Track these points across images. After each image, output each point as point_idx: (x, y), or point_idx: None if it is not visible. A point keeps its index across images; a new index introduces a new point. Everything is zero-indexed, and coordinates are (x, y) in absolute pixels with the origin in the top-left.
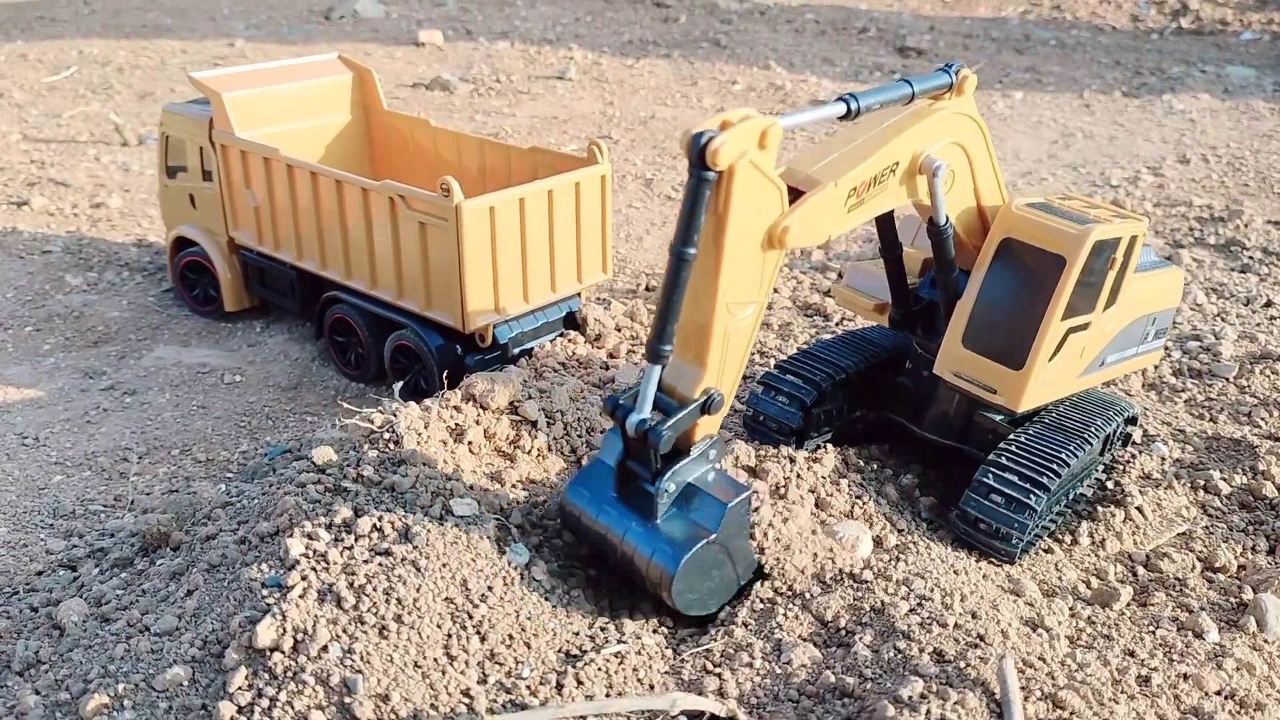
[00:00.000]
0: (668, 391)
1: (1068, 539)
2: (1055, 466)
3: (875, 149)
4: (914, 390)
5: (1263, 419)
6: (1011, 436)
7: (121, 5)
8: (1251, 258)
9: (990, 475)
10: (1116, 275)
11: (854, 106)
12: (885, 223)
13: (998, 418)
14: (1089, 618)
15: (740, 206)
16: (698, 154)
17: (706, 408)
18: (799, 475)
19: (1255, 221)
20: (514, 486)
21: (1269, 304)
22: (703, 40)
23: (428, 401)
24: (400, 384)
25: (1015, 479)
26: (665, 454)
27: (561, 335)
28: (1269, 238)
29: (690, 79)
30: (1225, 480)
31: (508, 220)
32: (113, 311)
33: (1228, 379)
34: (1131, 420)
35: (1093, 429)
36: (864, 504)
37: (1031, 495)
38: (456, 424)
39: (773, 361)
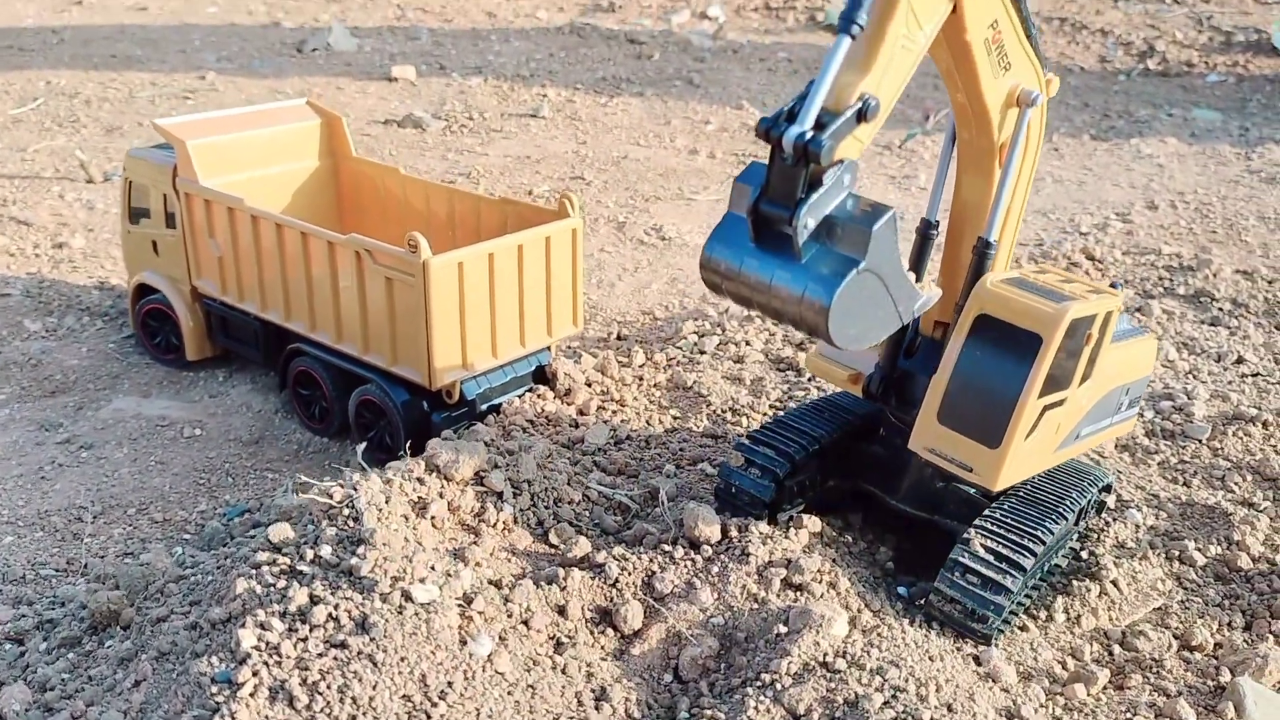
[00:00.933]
0: (825, 109)
1: (1043, 614)
2: (1030, 545)
3: (1019, 34)
4: (887, 460)
5: (1236, 483)
6: (986, 512)
7: (91, 35)
8: (1221, 309)
9: (965, 555)
10: (1092, 351)
11: None
12: (922, 241)
13: (972, 489)
14: (1065, 704)
15: None
16: None
17: (863, 114)
18: (770, 552)
19: (1224, 271)
20: (478, 565)
21: (1240, 360)
22: (676, 78)
23: (389, 472)
24: (363, 445)
25: (991, 559)
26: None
27: (530, 390)
28: (1238, 288)
29: (664, 118)
30: (1200, 551)
31: (476, 275)
32: (72, 359)
33: (1201, 441)
34: (1106, 489)
35: (1068, 502)
36: (837, 581)
37: (1008, 576)
38: (419, 497)
39: (745, 421)
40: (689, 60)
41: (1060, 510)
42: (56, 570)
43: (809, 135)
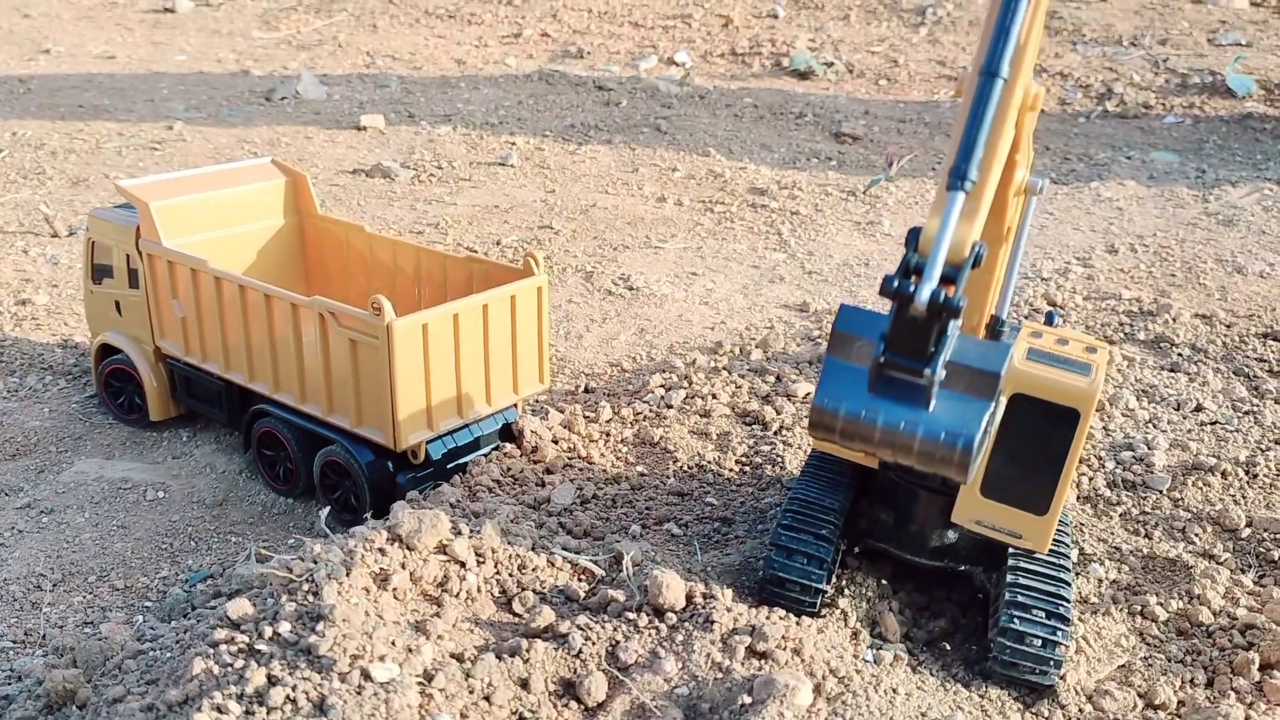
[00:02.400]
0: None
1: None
2: (1066, 595)
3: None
4: (895, 518)
5: (1196, 535)
6: (1012, 565)
7: (58, 84)
8: (1180, 354)
9: (1016, 620)
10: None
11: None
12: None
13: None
14: None
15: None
16: None
17: (977, 263)
18: (735, 619)
19: (1183, 315)
20: (440, 638)
21: (1199, 408)
22: (644, 125)
23: (351, 542)
24: (326, 510)
25: (1043, 618)
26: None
27: (497, 449)
28: (1196, 332)
29: (632, 165)
30: (1162, 605)
31: (441, 336)
32: (33, 421)
33: (1161, 491)
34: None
35: (1066, 546)
36: (802, 647)
37: (1059, 633)
38: (381, 568)
39: (711, 476)
40: (657, 107)
41: (1069, 556)
42: (14, 642)
43: (942, 292)
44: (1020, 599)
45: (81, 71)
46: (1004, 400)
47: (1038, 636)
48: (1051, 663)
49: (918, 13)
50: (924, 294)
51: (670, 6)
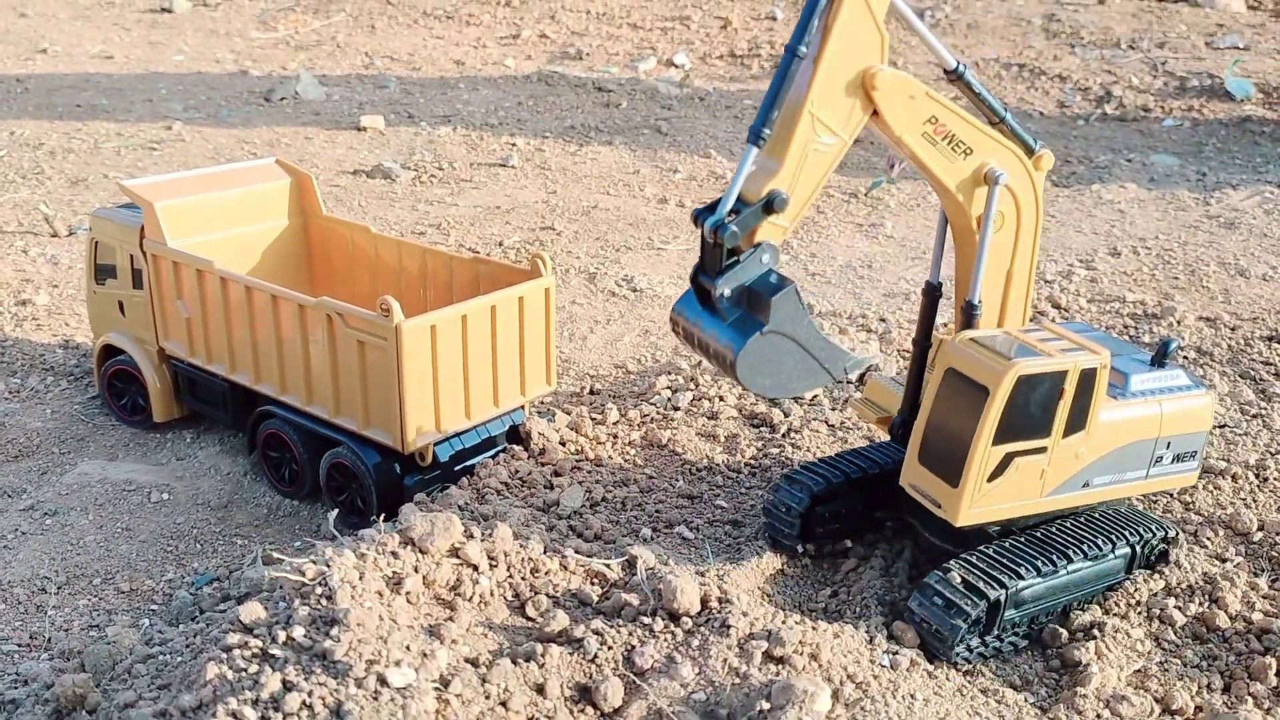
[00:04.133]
0: (743, 198)
1: (1039, 667)
2: (1004, 579)
3: (970, 120)
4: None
5: (1209, 539)
6: (981, 547)
7: (56, 84)
8: (1187, 358)
9: (937, 580)
10: (1072, 406)
11: (960, 73)
12: (929, 303)
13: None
14: None
15: (843, 29)
16: None
17: (770, 206)
18: (751, 623)
19: (1187, 318)
20: (454, 643)
21: None
22: (644, 127)
23: (363, 546)
24: (335, 513)
25: (960, 587)
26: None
27: (504, 450)
28: (1201, 335)
29: (632, 167)
30: (1179, 610)
31: (449, 338)
32: (35, 422)
33: (1173, 495)
34: (1164, 539)
35: (1075, 548)
36: (819, 652)
37: (968, 602)
38: (394, 571)
39: (721, 479)
40: (657, 108)
41: (1051, 554)
42: (19, 645)
43: (722, 223)
44: (956, 569)
45: (79, 71)
46: (937, 373)
47: (947, 599)
48: (949, 629)
49: (916, 14)
50: (708, 222)
51: (669, 8)
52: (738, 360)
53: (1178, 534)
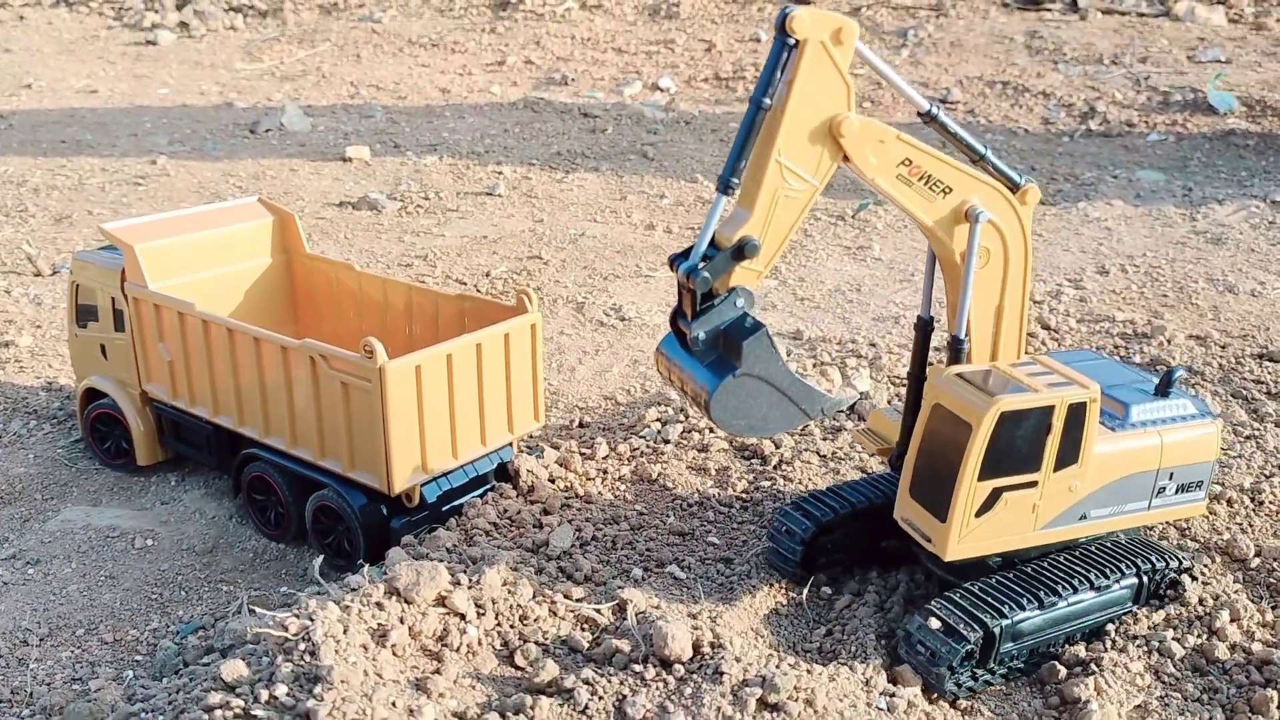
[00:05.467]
0: (716, 243)
1: (1038, 704)
2: (985, 619)
3: (947, 160)
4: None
5: (1205, 566)
6: (964, 588)
7: (40, 120)
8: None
9: (915, 627)
10: (1062, 440)
11: (934, 114)
12: (922, 337)
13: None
14: None
15: (806, 80)
16: (780, 21)
17: (740, 252)
18: (744, 669)
19: (1177, 337)
20: (441, 697)
21: None
22: (630, 152)
23: (348, 598)
24: (320, 559)
25: (940, 631)
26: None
27: (492, 489)
28: (1192, 354)
29: (619, 193)
30: (1178, 642)
31: (435, 378)
32: (18, 467)
33: (1169, 522)
34: (1178, 570)
35: (1067, 581)
36: (814, 698)
37: (949, 646)
38: (379, 624)
39: (713, 515)
40: (642, 133)
41: (1040, 589)
42: (0, 701)
43: (695, 269)
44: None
45: (63, 106)
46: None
47: (929, 648)
48: (934, 677)
49: (899, 34)
50: (683, 267)
51: (653, 32)
52: (712, 401)
53: (1192, 564)
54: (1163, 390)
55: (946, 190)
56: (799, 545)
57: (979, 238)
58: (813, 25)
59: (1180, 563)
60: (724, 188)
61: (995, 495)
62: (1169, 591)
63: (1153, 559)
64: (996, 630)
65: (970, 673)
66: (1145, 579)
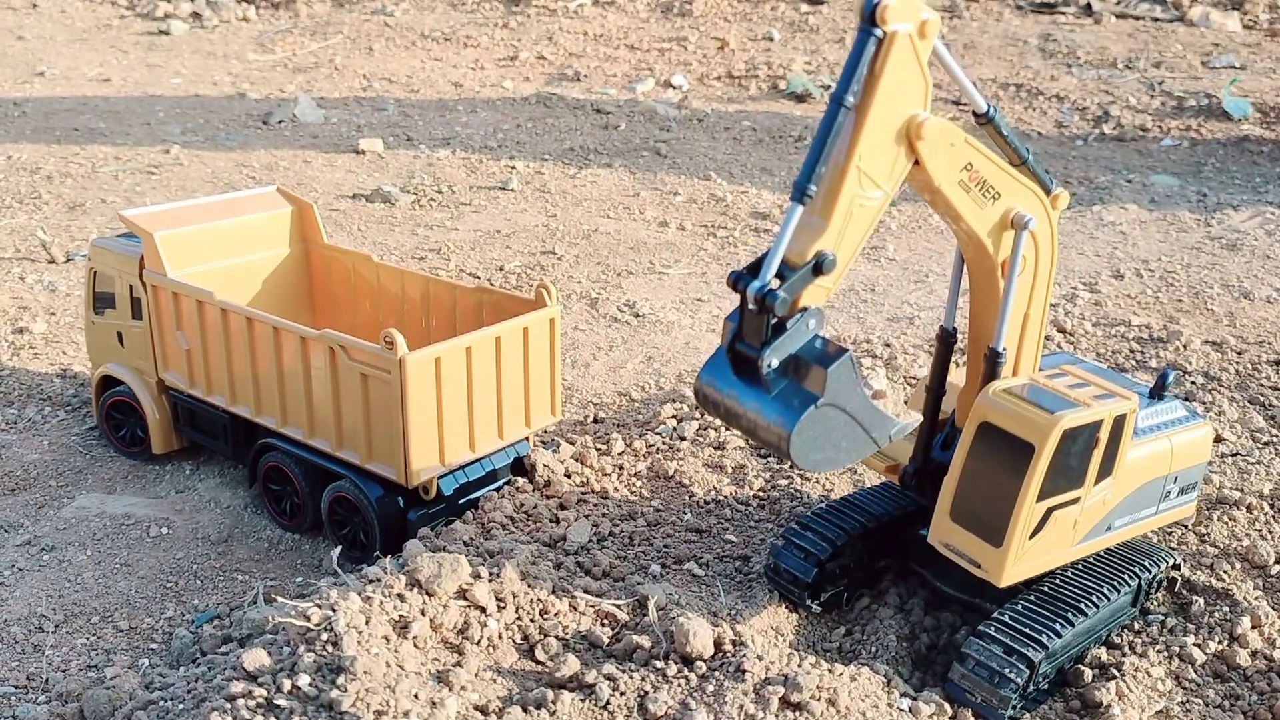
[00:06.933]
0: (788, 261)
1: (1059, 708)
2: (1043, 638)
3: (1000, 164)
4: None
5: (1225, 572)
6: (1008, 605)
7: (53, 108)
8: (1194, 383)
9: (975, 649)
10: (1104, 453)
11: (991, 116)
12: (944, 349)
13: None
14: None
15: (891, 76)
16: (869, 11)
17: (819, 268)
18: (767, 668)
19: (1193, 343)
20: (463, 689)
21: (1218, 439)
22: (643, 149)
23: (369, 589)
24: (338, 550)
25: (1000, 654)
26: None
27: (509, 483)
28: (1208, 360)
29: (632, 189)
30: (1199, 648)
31: (454, 370)
32: (32, 454)
33: (1187, 527)
34: (1172, 567)
35: (1094, 597)
36: (837, 698)
37: (1011, 669)
38: (400, 615)
39: (729, 512)
40: (655, 130)
41: (1080, 606)
42: (16, 687)
43: (769, 288)
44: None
45: (76, 94)
46: (972, 430)
47: (991, 670)
48: (998, 700)
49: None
50: (752, 288)
51: (666, 30)
52: (792, 438)
53: (1180, 561)
54: (1157, 393)
55: (996, 196)
56: (811, 571)
57: (1024, 245)
58: (904, 12)
59: (1171, 560)
60: (800, 196)
61: (1047, 515)
62: (1162, 592)
63: (1148, 561)
64: (1047, 650)
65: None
66: (1142, 582)
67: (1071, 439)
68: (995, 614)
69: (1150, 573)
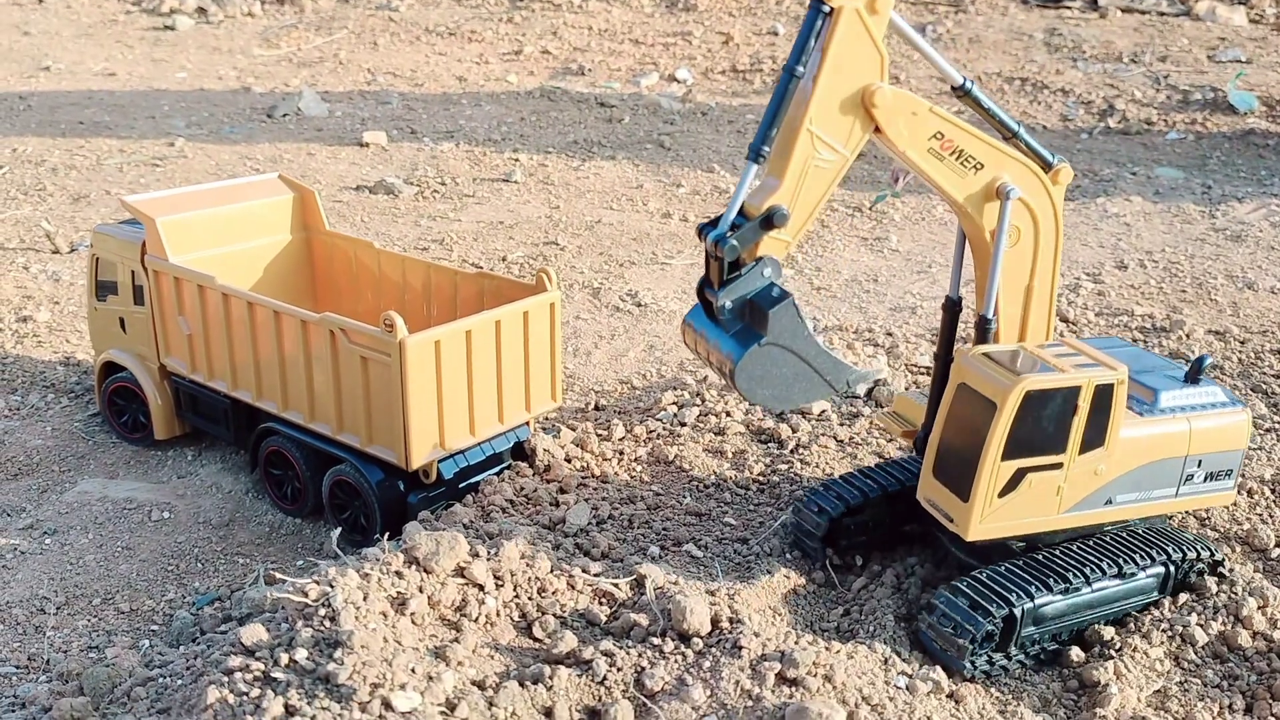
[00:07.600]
0: (745, 213)
1: (1056, 687)
2: (1011, 597)
3: (979, 135)
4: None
5: (1225, 555)
6: (990, 567)
7: (58, 101)
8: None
9: (943, 597)
10: (1088, 421)
11: (968, 89)
12: (950, 318)
13: (1020, 543)
14: None
15: (839, 49)
16: None
17: (769, 221)
18: (763, 644)
19: (1196, 332)
20: (460, 665)
21: None
22: (647, 142)
23: (367, 566)
24: (338, 531)
25: (965, 603)
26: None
27: (509, 468)
28: (1211, 349)
29: (636, 181)
30: (1201, 628)
31: (454, 353)
32: (35, 440)
33: (1188, 511)
34: (1203, 557)
35: (1086, 570)
36: (833, 674)
37: (972, 621)
38: (398, 592)
39: (729, 495)
40: (659, 123)
41: (1062, 573)
42: (17, 667)
43: (724, 237)
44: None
45: (82, 88)
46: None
47: (953, 621)
48: (955, 649)
49: (917, 29)
50: (711, 235)
51: (670, 24)
52: (737, 370)
53: (1222, 558)
54: (1193, 377)
55: (978, 166)
56: (826, 521)
57: (1009, 215)
58: None
59: (1212, 554)
60: (754, 155)
61: (1019, 476)
62: (1198, 583)
63: (1182, 549)
64: (1019, 611)
65: (988, 656)
66: (1173, 569)
67: (1040, 402)
68: (974, 571)
69: (1176, 560)
